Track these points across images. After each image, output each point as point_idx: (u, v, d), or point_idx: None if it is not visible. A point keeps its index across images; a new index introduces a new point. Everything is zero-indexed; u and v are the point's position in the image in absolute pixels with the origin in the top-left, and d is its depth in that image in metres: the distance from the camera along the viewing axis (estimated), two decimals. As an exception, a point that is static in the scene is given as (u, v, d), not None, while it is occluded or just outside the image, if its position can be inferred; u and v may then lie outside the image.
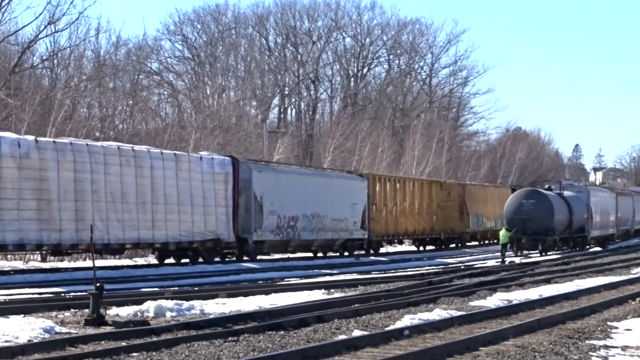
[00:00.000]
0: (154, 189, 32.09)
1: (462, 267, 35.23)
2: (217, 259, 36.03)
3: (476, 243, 60.76)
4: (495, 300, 21.17)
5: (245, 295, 21.02)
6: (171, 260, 35.29)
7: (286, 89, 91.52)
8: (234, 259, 37.07)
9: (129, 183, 31.15)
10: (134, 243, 31.84)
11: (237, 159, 37.16)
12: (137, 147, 32.90)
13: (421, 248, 54.22)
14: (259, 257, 38.19)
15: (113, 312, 16.81)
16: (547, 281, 27.66)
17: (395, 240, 52.11)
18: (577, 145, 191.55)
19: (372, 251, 46.97)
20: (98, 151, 30.26)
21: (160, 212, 32.27)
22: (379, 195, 47.42)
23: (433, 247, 54.36)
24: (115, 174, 30.61)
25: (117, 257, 37.11)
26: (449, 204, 54.75)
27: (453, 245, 55.98)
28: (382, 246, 50.14)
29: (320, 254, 43.89)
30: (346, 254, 43.84)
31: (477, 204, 58.31)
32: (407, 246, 56.20)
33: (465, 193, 56.73)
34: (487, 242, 61.91)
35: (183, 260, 35.11)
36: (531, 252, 48.16)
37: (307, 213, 40.49)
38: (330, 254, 44.37)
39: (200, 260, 34.75)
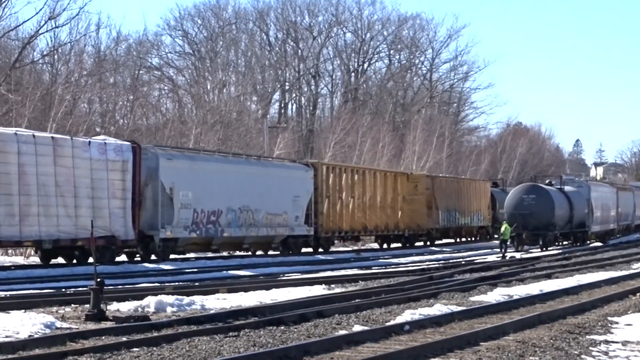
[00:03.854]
0: (21, 177, 27.44)
1: (463, 262, 35.29)
2: (124, 259, 32.60)
3: (451, 241, 56.27)
4: (496, 295, 21.18)
5: (246, 290, 21.05)
6: (61, 260, 30.91)
7: (287, 84, 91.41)
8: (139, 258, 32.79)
9: None
10: None
11: (138, 145, 32.13)
12: (0, 129, 28.54)
13: (385, 246, 49.78)
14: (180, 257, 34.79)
15: (114, 307, 16.80)
16: (548, 276, 27.67)
17: (351, 238, 46.80)
18: (577, 140, 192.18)
19: (321, 250, 41.96)
20: None
21: (31, 205, 27.69)
22: (332, 187, 42.29)
23: (399, 245, 49.83)
24: None
25: None
26: (416, 198, 49.86)
27: (420, 243, 51.28)
28: (334, 244, 45.30)
29: (259, 252, 39.70)
30: (290, 252, 39.42)
31: (448, 198, 53.52)
32: (360, 245, 50.44)
33: (434, 186, 51.98)
34: (461, 239, 57.42)
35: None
36: (532, 247, 48.24)
37: (234, 207, 35.71)
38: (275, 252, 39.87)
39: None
